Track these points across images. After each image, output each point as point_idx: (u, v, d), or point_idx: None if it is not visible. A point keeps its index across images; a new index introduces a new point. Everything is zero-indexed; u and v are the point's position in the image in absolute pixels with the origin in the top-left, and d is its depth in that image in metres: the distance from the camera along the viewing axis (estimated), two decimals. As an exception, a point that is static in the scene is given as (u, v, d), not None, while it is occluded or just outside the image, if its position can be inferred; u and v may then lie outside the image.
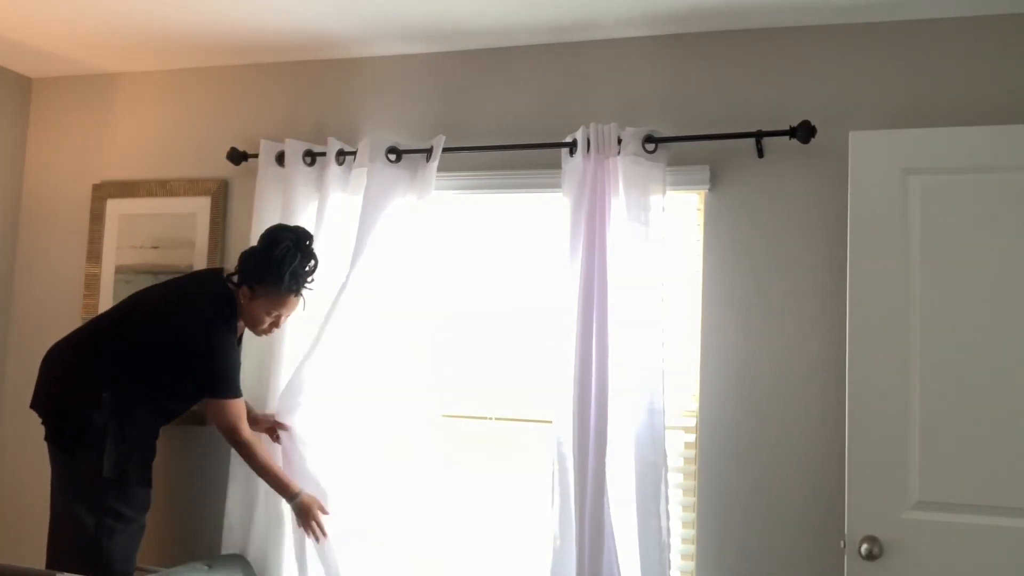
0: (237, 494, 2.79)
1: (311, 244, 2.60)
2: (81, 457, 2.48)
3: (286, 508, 2.67)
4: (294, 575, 2.71)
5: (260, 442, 2.62)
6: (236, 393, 2.56)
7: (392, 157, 2.74)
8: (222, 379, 2.53)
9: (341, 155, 2.81)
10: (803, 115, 2.55)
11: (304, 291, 2.59)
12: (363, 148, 2.75)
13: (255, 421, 2.69)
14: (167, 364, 2.53)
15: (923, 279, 2.28)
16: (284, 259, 2.51)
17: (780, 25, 2.61)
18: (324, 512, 2.63)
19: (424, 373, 2.86)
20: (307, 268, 2.58)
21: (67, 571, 2.46)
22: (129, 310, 2.64)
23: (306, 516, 2.60)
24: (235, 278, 2.59)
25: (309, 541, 2.64)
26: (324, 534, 2.61)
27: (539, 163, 2.74)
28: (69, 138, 3.33)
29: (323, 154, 2.83)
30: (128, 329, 2.59)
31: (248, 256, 2.58)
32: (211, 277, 2.68)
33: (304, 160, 2.85)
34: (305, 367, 2.69)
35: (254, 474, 2.72)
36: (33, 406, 2.62)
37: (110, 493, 2.49)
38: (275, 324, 2.63)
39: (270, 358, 2.78)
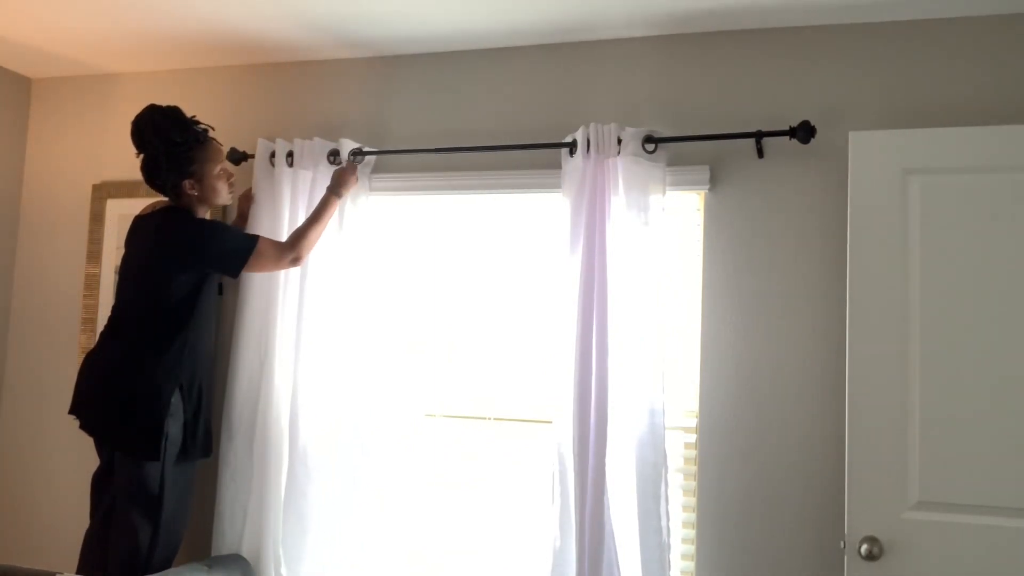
0: (228, 494, 2.79)
1: (157, 106, 2.59)
2: (149, 467, 2.49)
3: (273, 506, 2.68)
4: (285, 573, 2.71)
5: (296, 238, 2.64)
6: (253, 239, 2.59)
7: (358, 159, 2.80)
8: (234, 241, 2.57)
9: (333, 155, 2.81)
10: (803, 115, 2.55)
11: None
12: (341, 148, 2.80)
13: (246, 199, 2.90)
14: (192, 280, 2.55)
15: (923, 279, 2.28)
16: (179, 124, 2.53)
17: (780, 25, 2.61)
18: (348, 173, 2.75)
19: (409, 371, 2.89)
20: (184, 113, 2.58)
21: (108, 575, 2.48)
22: (125, 293, 2.63)
23: (344, 181, 2.72)
24: (167, 192, 2.60)
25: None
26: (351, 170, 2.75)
27: (539, 163, 2.74)
28: (69, 138, 3.33)
29: (336, 153, 2.84)
30: (139, 306, 2.57)
31: (155, 159, 2.54)
32: (150, 216, 2.66)
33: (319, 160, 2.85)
34: (300, 372, 2.73)
35: (245, 474, 2.73)
36: (81, 412, 2.59)
37: (169, 502, 2.51)
38: (230, 176, 2.68)
39: (264, 363, 2.77)
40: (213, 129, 2.68)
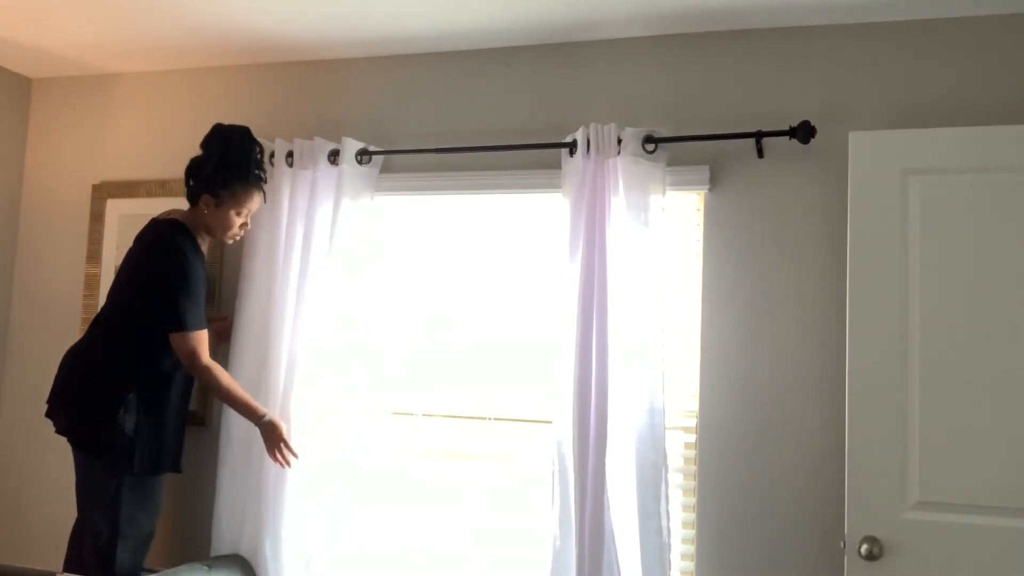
0: (227, 494, 2.78)
1: (251, 134, 2.61)
2: (103, 463, 2.49)
3: (273, 505, 2.67)
4: (282, 574, 2.71)
5: (220, 368, 2.58)
6: (194, 325, 2.51)
7: (364, 159, 2.80)
8: (184, 309, 2.49)
9: (334, 155, 2.81)
10: (803, 115, 2.55)
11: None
12: (343, 148, 2.80)
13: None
14: (146, 309, 2.52)
15: (923, 279, 2.28)
16: (245, 154, 2.55)
17: (780, 25, 2.61)
18: (287, 439, 2.62)
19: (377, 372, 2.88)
20: (262, 158, 2.61)
21: (80, 574, 2.48)
22: (112, 292, 2.64)
23: (275, 439, 2.60)
24: (189, 194, 2.60)
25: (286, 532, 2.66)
26: (292, 456, 2.62)
27: (539, 163, 2.74)
28: (69, 138, 3.33)
29: (336, 153, 2.83)
30: (117, 308, 2.59)
31: (203, 163, 2.56)
32: (155, 223, 2.65)
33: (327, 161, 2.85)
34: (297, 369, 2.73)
35: (244, 473, 2.73)
36: (50, 413, 2.61)
37: (128, 499, 2.50)
38: (245, 225, 2.64)
39: (263, 363, 2.77)
40: (266, 182, 2.66)
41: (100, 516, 2.50)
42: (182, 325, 2.50)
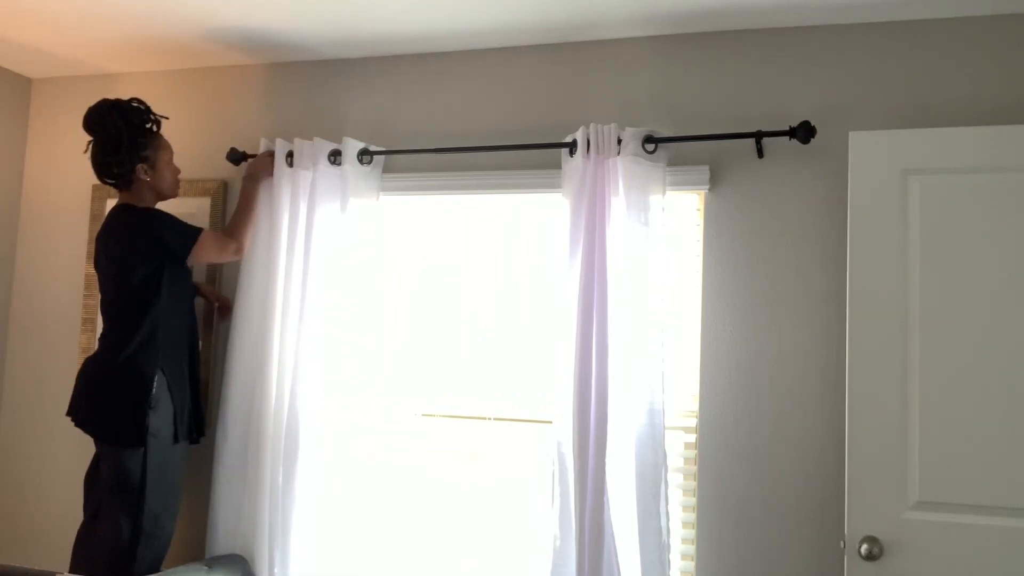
0: (224, 493, 2.78)
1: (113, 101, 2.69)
2: (130, 457, 2.50)
3: (270, 505, 2.67)
4: (284, 573, 2.71)
5: (231, 228, 2.76)
6: (197, 230, 2.67)
7: (366, 159, 2.80)
8: (178, 229, 2.63)
9: (335, 155, 2.81)
10: (803, 115, 2.55)
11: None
12: (344, 148, 2.80)
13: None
14: (152, 265, 2.58)
15: (923, 279, 2.28)
16: (136, 111, 2.64)
17: (780, 25, 2.61)
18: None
19: (400, 372, 2.88)
20: (139, 105, 2.68)
21: (92, 573, 2.48)
22: (102, 290, 2.66)
23: (258, 170, 2.83)
24: (120, 181, 2.66)
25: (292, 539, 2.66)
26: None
27: (539, 163, 2.74)
28: (69, 138, 3.33)
29: (337, 153, 2.83)
30: (111, 295, 2.62)
31: (114, 144, 2.60)
32: (108, 216, 2.70)
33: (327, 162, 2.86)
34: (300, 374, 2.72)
35: (240, 476, 2.74)
36: (72, 409, 2.62)
37: (153, 495, 2.51)
38: (177, 171, 2.78)
39: (262, 360, 2.78)
40: (167, 118, 2.81)
41: (122, 515, 2.49)
42: (188, 240, 2.62)
